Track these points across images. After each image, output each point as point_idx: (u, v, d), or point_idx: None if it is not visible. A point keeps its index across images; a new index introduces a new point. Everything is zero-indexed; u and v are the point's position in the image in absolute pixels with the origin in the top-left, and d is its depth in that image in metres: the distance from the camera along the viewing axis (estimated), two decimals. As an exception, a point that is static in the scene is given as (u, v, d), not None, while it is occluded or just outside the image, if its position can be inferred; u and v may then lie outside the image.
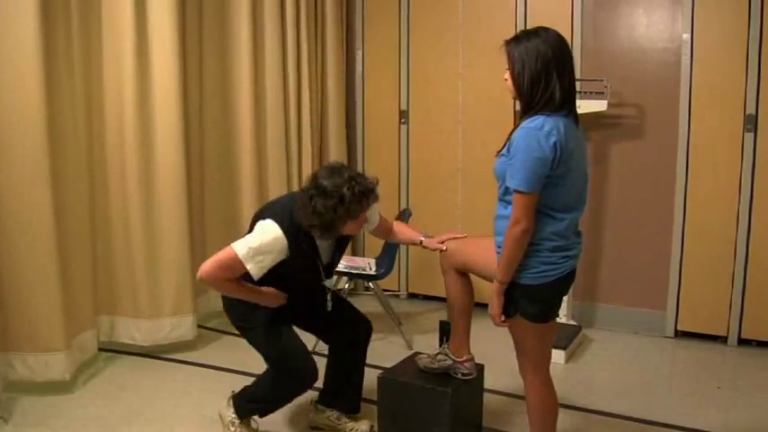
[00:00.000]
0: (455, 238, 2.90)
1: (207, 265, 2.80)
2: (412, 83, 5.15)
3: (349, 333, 3.15)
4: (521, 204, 2.34)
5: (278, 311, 2.97)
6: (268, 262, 2.76)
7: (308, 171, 4.91)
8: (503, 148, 2.45)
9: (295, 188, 4.85)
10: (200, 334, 4.34)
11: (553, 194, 2.39)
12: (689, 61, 4.25)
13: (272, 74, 4.66)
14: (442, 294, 4.96)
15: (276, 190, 4.68)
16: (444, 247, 2.87)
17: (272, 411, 3.10)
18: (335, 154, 5.18)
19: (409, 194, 5.24)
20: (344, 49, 5.27)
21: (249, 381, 3.20)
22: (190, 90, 4.26)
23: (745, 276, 4.25)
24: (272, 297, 2.92)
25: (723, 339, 4.34)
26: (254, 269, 2.75)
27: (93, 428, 3.26)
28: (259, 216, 2.92)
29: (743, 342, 4.30)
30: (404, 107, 5.18)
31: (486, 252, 2.59)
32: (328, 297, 3.08)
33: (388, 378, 3.07)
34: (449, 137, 5.03)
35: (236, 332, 4.21)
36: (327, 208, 2.65)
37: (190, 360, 4.10)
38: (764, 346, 4.24)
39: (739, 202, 4.22)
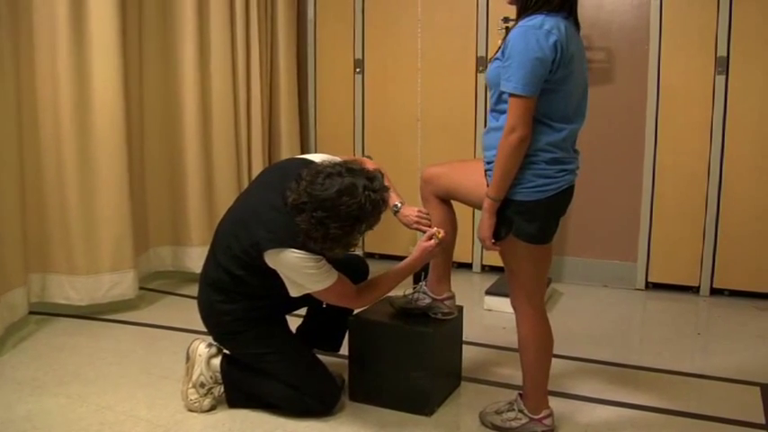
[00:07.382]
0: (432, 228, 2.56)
1: (353, 304, 2.65)
2: (367, 30, 4.84)
3: (347, 272, 2.75)
4: (517, 110, 2.10)
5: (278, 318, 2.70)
6: (324, 262, 2.42)
7: (256, 122, 4.60)
8: (497, 51, 2.20)
9: (242, 136, 4.52)
10: (141, 295, 3.98)
11: (551, 101, 2.16)
12: (658, 2, 4.08)
13: (218, 17, 4.31)
14: (400, 253, 4.80)
15: (221, 138, 4.38)
16: (437, 237, 2.53)
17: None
18: (285, 103, 4.86)
19: (365, 148, 4.93)
20: (295, -6, 4.94)
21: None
22: (129, 32, 3.90)
23: (717, 225, 4.11)
24: (423, 251, 2.53)
25: (695, 290, 4.20)
26: (331, 275, 2.44)
27: (27, 390, 2.89)
28: (248, 236, 2.46)
29: (715, 292, 4.17)
30: (359, 56, 4.87)
31: (474, 175, 2.35)
32: None
33: (362, 319, 2.76)
34: (407, 86, 4.73)
35: (182, 292, 3.89)
36: (346, 230, 2.26)
37: (133, 320, 3.74)
38: (737, 296, 4.12)
39: (710, 148, 4.08)
